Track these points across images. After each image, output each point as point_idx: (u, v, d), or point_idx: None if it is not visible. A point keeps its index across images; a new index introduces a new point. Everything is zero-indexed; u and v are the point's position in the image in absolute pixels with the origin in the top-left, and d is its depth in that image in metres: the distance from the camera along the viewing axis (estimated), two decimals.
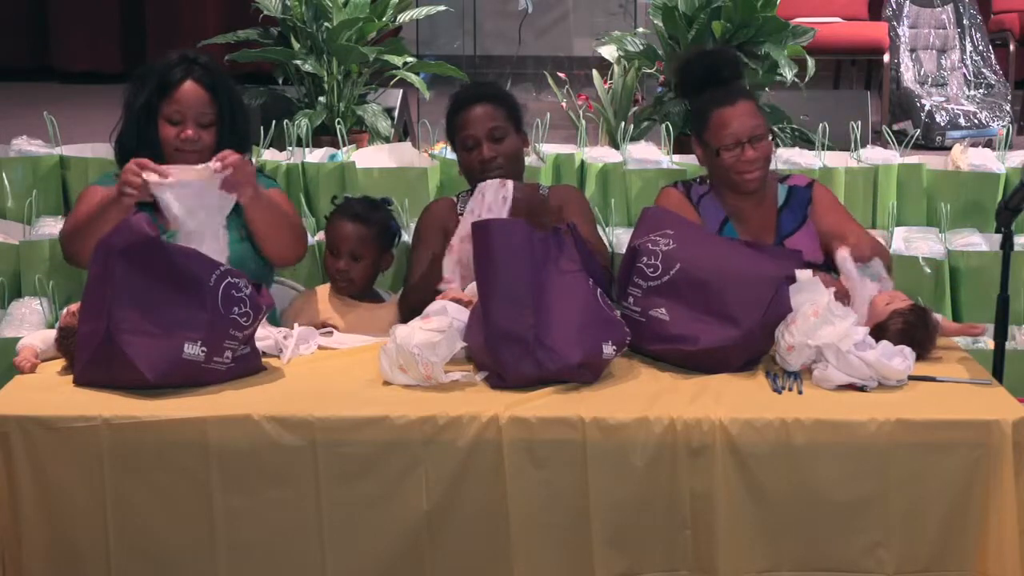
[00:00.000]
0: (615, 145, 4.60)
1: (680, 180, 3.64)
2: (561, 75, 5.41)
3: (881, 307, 3.05)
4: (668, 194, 3.51)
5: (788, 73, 4.79)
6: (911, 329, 2.99)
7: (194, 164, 3.27)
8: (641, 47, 5.07)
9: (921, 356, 2.96)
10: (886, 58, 6.36)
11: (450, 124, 3.55)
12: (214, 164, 3.14)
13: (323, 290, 3.53)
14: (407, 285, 3.48)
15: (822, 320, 2.85)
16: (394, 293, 3.64)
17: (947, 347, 3.11)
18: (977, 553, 2.67)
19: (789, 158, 4.33)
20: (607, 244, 4.02)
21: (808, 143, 4.61)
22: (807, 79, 4.92)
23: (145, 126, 3.35)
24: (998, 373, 3.08)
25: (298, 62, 4.84)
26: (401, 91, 5.32)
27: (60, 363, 2.93)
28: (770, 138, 3.41)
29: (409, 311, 3.30)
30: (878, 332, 2.97)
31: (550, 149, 4.46)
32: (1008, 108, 6.19)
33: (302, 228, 3.50)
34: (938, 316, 3.18)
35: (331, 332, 3.23)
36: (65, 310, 2.98)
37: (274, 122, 4.49)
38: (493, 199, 3.22)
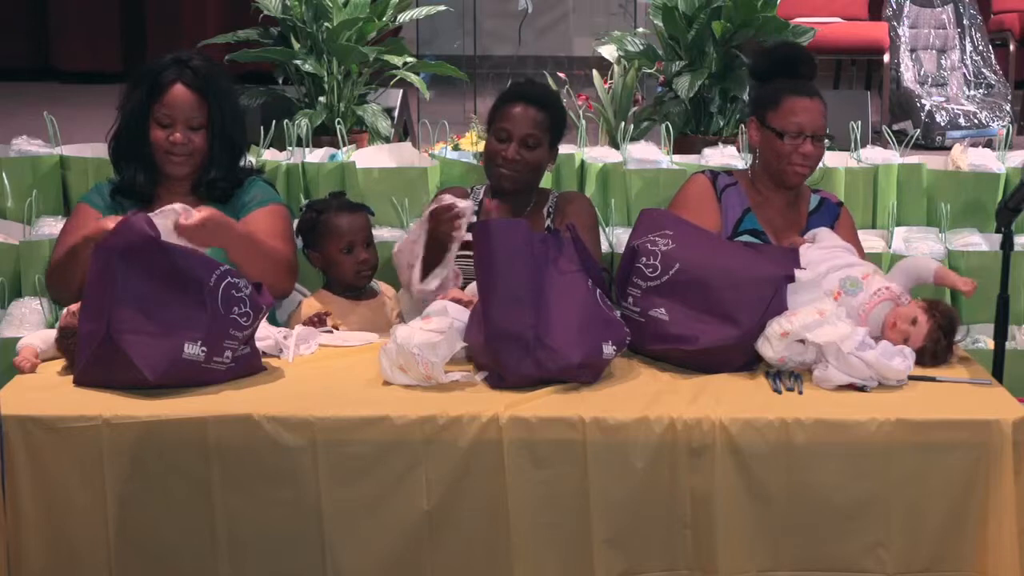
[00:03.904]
0: (615, 145, 4.60)
1: (710, 169, 3.68)
2: (561, 75, 5.41)
3: (899, 342, 2.98)
4: (695, 180, 3.55)
5: None
6: (941, 346, 3.00)
7: (184, 166, 3.35)
8: (641, 47, 5.08)
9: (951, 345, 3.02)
10: (886, 58, 6.36)
11: (495, 108, 3.55)
12: (182, 213, 3.01)
13: (317, 298, 3.50)
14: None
15: (826, 320, 2.85)
16: (384, 284, 3.63)
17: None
18: (977, 553, 2.67)
19: None
20: (607, 245, 4.02)
21: None
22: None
23: (137, 128, 3.36)
24: (998, 373, 3.08)
25: (298, 62, 4.84)
26: (401, 91, 5.33)
27: (60, 363, 2.93)
28: (826, 145, 3.44)
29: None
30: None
31: None
32: (1008, 108, 6.20)
33: (286, 262, 3.36)
34: (932, 265, 3.17)
35: (331, 331, 3.23)
36: (65, 310, 2.98)
37: (274, 122, 4.49)
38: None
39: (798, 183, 3.44)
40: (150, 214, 2.94)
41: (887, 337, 3.00)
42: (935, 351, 2.99)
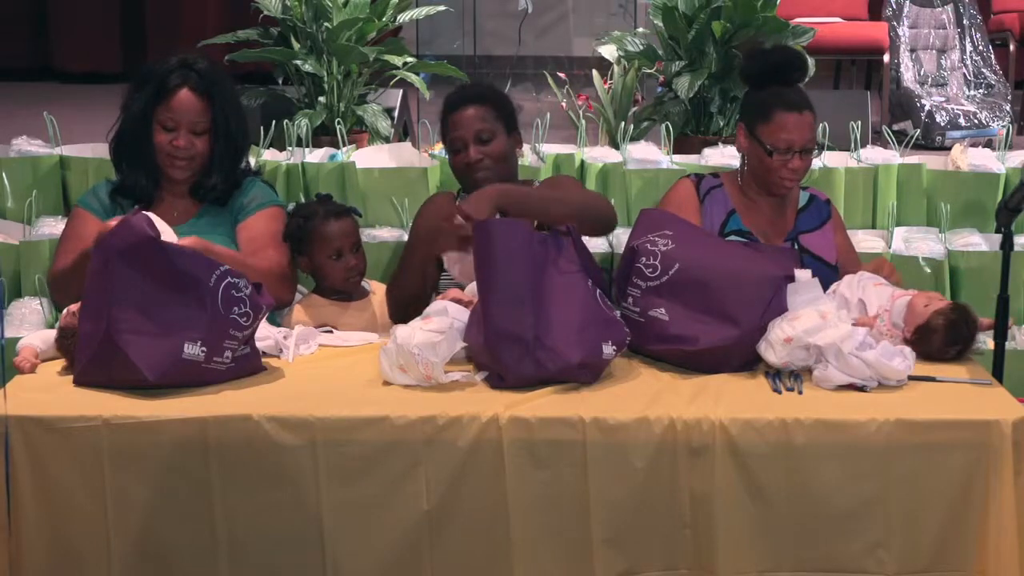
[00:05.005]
0: (615, 145, 4.60)
1: (696, 172, 3.67)
2: (561, 75, 5.41)
3: (920, 309, 3.04)
4: (679, 184, 3.54)
5: None
6: (954, 327, 3.01)
7: (185, 170, 3.37)
8: (641, 47, 5.07)
9: (963, 352, 3.02)
10: (886, 58, 6.36)
11: (442, 127, 3.57)
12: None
13: (307, 303, 3.49)
14: (396, 279, 3.47)
15: (827, 323, 2.85)
16: (376, 282, 3.63)
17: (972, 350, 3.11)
18: (977, 553, 2.67)
19: None
20: (607, 245, 4.02)
21: None
22: (807, 79, 4.91)
23: (140, 130, 3.36)
24: (998, 373, 3.08)
25: (298, 62, 4.84)
26: (401, 91, 5.33)
27: (60, 363, 2.93)
28: (814, 154, 3.44)
29: (396, 306, 3.29)
30: (922, 333, 2.98)
31: (550, 149, 4.46)
32: (1008, 108, 6.20)
33: (278, 275, 3.33)
34: None
35: (331, 331, 3.23)
36: (65, 310, 2.98)
37: (274, 122, 4.49)
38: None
39: (785, 194, 3.46)
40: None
41: (913, 302, 3.04)
42: (947, 326, 2.99)
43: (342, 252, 3.44)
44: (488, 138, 3.47)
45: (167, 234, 2.98)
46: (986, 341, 3.51)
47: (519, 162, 4.22)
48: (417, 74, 5.04)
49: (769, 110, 3.35)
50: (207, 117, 3.35)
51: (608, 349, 2.84)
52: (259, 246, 3.35)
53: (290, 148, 4.39)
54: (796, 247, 3.42)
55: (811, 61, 4.95)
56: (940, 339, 2.99)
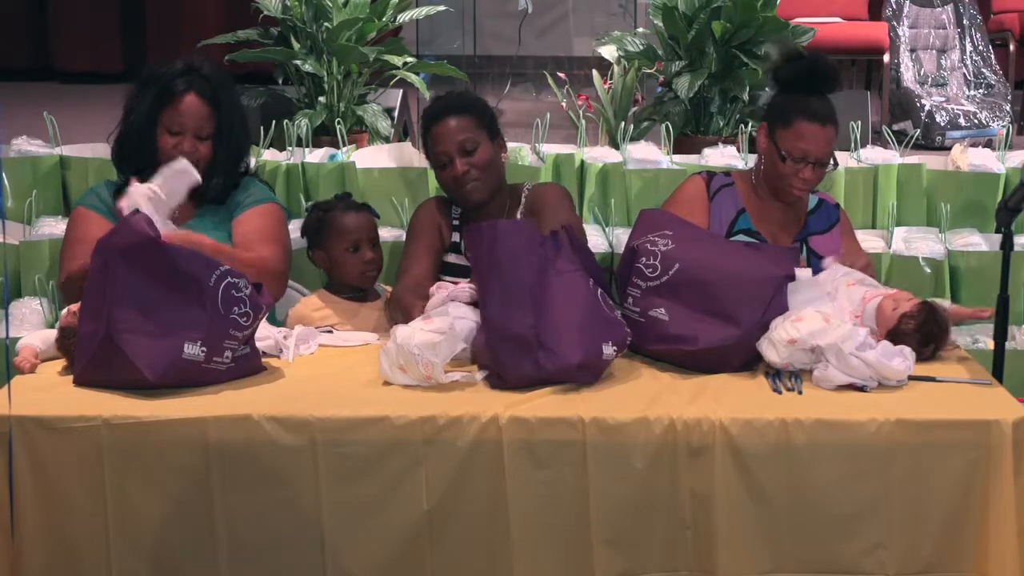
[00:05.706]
0: (615, 145, 4.60)
1: (708, 170, 3.67)
2: (561, 75, 5.41)
3: (889, 313, 3.04)
4: (690, 181, 3.55)
5: None
6: (924, 327, 3.01)
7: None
8: (641, 47, 5.07)
9: (938, 349, 3.03)
10: (886, 58, 6.36)
11: (423, 142, 3.54)
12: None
13: (316, 298, 3.50)
14: (399, 285, 3.45)
15: (831, 327, 2.85)
16: (388, 286, 3.63)
17: (948, 347, 3.11)
18: (977, 553, 2.67)
19: None
20: (607, 245, 4.02)
21: None
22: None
23: (144, 132, 3.36)
24: (998, 373, 3.08)
25: (298, 62, 4.84)
26: (401, 91, 5.32)
27: (60, 363, 2.93)
28: (830, 166, 3.41)
29: (398, 312, 3.27)
30: (894, 338, 2.98)
31: (550, 149, 4.46)
32: (1008, 108, 6.20)
33: (268, 271, 3.27)
34: (945, 303, 3.19)
35: (331, 330, 3.23)
36: (65, 310, 2.98)
37: (274, 122, 4.49)
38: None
39: (793, 201, 3.46)
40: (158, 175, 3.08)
41: (881, 306, 3.05)
42: (917, 328, 3.00)
43: (359, 245, 3.45)
44: (472, 148, 3.44)
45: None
46: (986, 341, 3.52)
47: (520, 163, 4.24)
48: (417, 74, 5.04)
49: (792, 116, 3.34)
50: (212, 123, 3.36)
51: (608, 350, 2.84)
52: (252, 240, 3.35)
53: (290, 148, 4.39)
54: (805, 249, 3.43)
55: None
56: (913, 343, 2.98)
